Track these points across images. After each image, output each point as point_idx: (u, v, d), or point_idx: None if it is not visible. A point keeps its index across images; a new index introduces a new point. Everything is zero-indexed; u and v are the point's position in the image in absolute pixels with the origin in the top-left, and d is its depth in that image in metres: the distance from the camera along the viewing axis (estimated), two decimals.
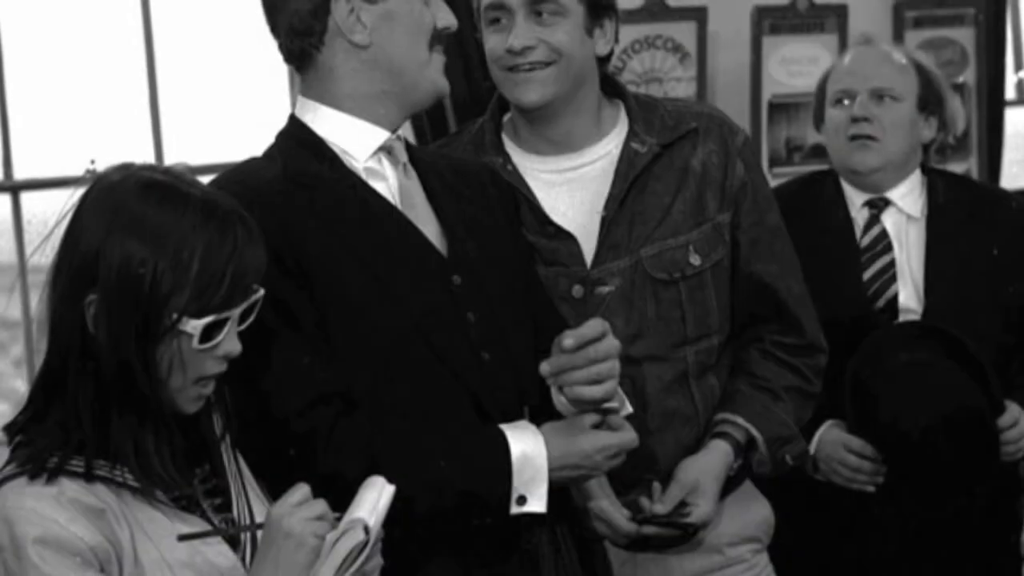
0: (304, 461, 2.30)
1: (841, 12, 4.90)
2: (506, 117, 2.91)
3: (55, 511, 2.02)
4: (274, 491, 2.19)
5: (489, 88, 2.93)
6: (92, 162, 2.17)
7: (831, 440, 3.27)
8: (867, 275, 3.37)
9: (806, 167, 4.50)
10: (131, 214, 2.05)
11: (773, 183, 3.27)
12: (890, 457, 3.23)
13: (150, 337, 2.05)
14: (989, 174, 5.22)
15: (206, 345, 2.08)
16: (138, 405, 2.07)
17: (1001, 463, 3.27)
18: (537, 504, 2.38)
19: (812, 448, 3.24)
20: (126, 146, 4.95)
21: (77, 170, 2.20)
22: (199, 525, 2.12)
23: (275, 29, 2.48)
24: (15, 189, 5.03)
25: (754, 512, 2.97)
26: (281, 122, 2.53)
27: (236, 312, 2.10)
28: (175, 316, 2.05)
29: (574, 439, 2.40)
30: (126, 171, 2.12)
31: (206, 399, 2.15)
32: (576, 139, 2.85)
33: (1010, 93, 5.53)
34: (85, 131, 5.00)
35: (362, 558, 2.03)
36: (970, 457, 3.23)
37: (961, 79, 5.06)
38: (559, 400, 2.45)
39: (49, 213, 2.14)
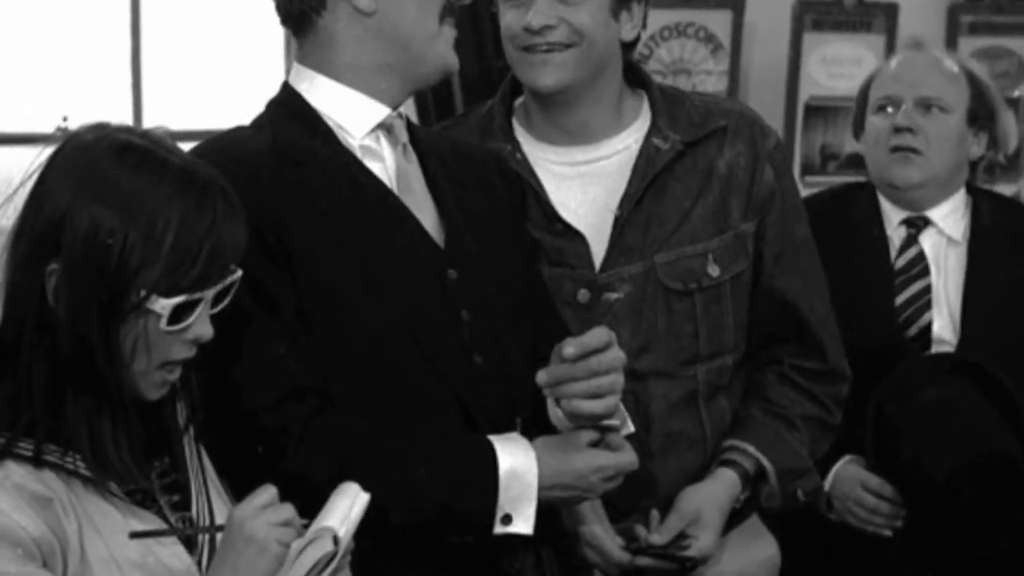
0: (272, 460, 2.30)
1: (891, 12, 4.91)
2: (518, 101, 2.91)
3: None
4: (238, 491, 2.19)
5: (502, 68, 2.93)
6: (64, 119, 2.18)
7: (848, 477, 3.27)
8: (900, 300, 3.37)
9: (841, 177, 4.51)
10: (103, 178, 2.05)
11: (804, 192, 3.27)
12: (910, 500, 3.23)
13: (114, 314, 2.04)
14: None
15: (175, 327, 2.07)
16: (96, 387, 2.06)
17: None
18: (523, 525, 2.37)
19: (827, 484, 3.24)
20: (102, 105, 4.95)
21: (48, 127, 2.21)
22: (154, 523, 2.11)
23: None
24: None
25: (759, 550, 2.97)
26: (273, 90, 2.53)
27: (210, 293, 2.09)
28: (143, 293, 2.04)
29: (568, 457, 2.40)
30: (100, 131, 2.12)
31: (171, 386, 2.15)
32: (593, 130, 2.85)
33: None
34: (60, 86, 5.00)
35: (329, 570, 2.03)
36: (996, 505, 3.22)
37: (1016, 93, 5.06)
38: (555, 413, 2.45)
39: (15, 171, 2.14)
